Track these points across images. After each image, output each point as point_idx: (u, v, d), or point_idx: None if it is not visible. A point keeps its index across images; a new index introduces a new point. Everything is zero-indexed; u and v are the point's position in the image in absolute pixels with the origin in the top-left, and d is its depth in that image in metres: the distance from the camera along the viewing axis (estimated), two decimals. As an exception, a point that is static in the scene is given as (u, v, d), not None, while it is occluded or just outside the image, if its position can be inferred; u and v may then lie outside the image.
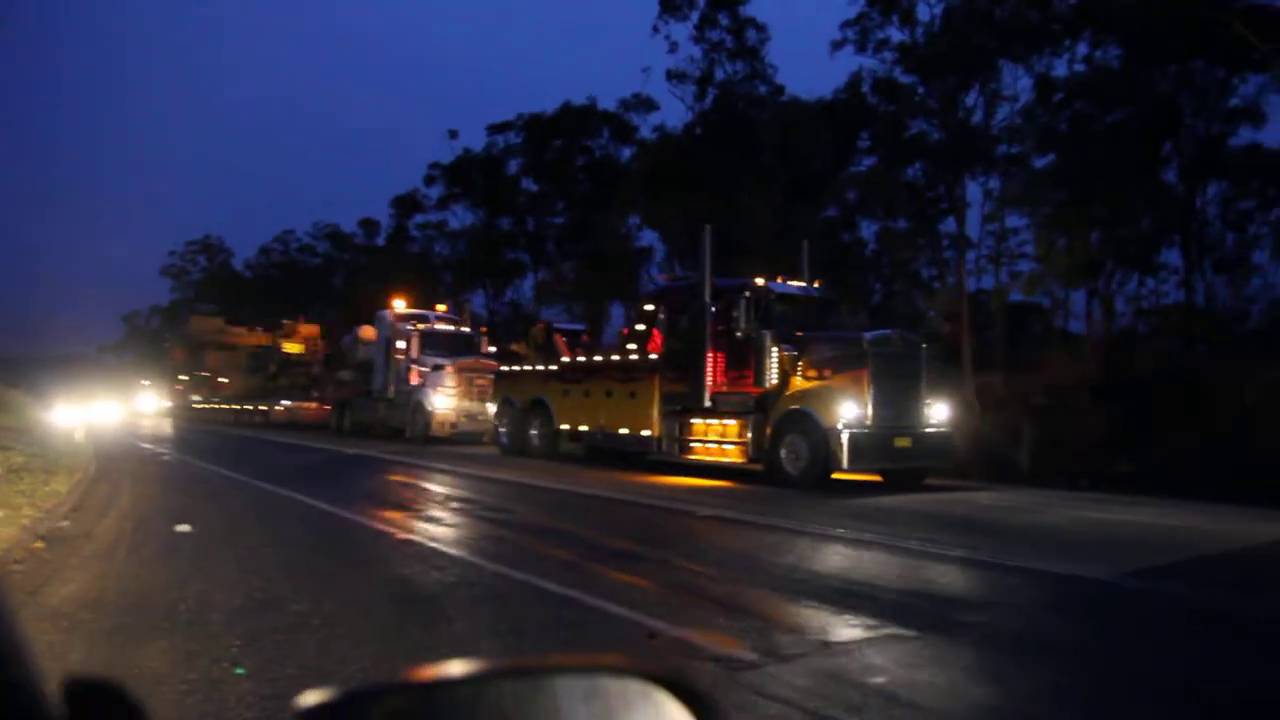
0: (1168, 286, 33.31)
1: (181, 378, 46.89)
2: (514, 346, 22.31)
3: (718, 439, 15.07)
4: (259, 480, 14.05)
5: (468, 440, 23.87)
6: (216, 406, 41.34)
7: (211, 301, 59.97)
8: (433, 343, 25.15)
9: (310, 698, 0.90)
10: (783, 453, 13.91)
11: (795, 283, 16.44)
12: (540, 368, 19.44)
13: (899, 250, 34.71)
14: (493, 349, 26.66)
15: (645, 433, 16.40)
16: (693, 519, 10.74)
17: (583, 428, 18.01)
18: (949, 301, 30.88)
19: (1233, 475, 14.32)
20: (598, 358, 18.29)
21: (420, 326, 25.46)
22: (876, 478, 14.22)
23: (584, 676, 1.06)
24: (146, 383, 56.68)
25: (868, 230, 36.04)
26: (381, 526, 9.40)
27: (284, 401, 34.80)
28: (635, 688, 1.06)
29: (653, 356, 16.45)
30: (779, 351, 14.50)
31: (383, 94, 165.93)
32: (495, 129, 44.46)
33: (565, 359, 18.90)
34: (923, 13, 34.03)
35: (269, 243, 66.26)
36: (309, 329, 39.86)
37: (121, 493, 12.11)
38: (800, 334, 14.71)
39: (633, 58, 52.80)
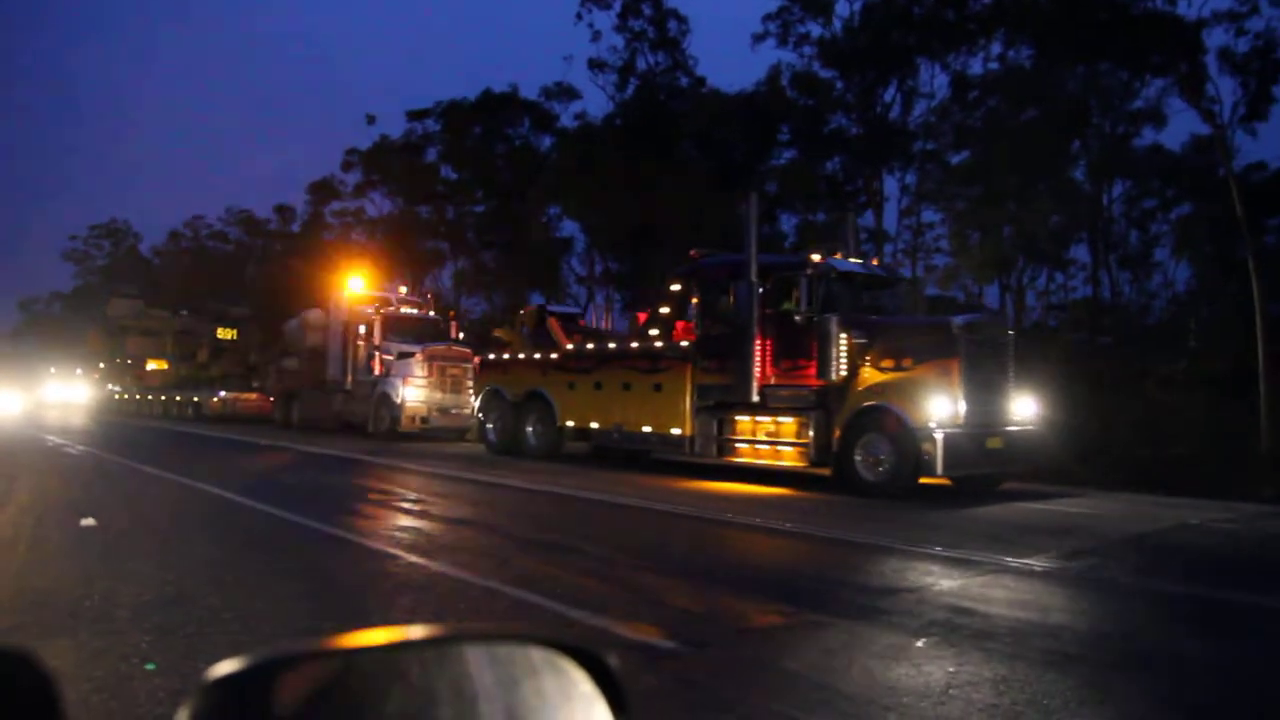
0: (1076, 282, 34.21)
1: (100, 365, 43.31)
2: (497, 332, 20.00)
3: (769, 439, 13.06)
4: (194, 481, 12.32)
5: (440, 436, 22.00)
6: (140, 397, 37.52)
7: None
8: (397, 328, 22.85)
9: (222, 667, 0.91)
10: (857, 456, 11.92)
11: (853, 260, 14.29)
12: (538, 356, 16.94)
13: (818, 243, 34.87)
14: (460, 334, 24.98)
15: (675, 431, 14.22)
16: (777, 537, 8.87)
17: (593, 425, 15.78)
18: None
19: (1135, 465, 14.74)
20: (611, 345, 16.02)
21: (383, 310, 23.08)
22: (946, 481, 12.12)
23: (491, 644, 1.10)
24: (54, 371, 52.92)
25: (788, 223, 36.19)
26: (348, 534, 8.30)
27: (220, 392, 31.49)
28: (540, 655, 1.10)
29: (684, 344, 14.34)
30: (847, 339, 12.41)
31: (299, 76, 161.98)
32: (414, 115, 43.53)
33: (570, 346, 16.62)
34: (842, 8, 34.50)
35: (178, 228, 64.30)
36: (241, 312, 37.03)
37: (18, 487, 11.27)
38: (872, 318, 12.81)
39: (556, 46, 52.44)
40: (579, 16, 36.15)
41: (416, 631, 1.08)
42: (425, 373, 21.61)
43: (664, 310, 15.30)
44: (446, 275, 46.20)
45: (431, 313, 24.89)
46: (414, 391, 21.47)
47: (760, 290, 13.04)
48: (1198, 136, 31.07)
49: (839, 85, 34.66)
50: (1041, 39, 30.24)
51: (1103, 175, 32.25)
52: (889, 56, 33.24)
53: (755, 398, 13.11)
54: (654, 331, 15.22)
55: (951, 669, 4.40)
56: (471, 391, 20.36)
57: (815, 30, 34.52)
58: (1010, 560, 7.38)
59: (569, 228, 41.65)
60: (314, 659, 1.01)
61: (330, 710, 0.97)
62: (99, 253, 70.48)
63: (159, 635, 4.69)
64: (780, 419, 12.98)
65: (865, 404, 12.03)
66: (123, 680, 3.99)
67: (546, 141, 41.56)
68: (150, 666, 4.19)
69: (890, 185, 35.19)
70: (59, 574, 6.23)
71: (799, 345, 12.86)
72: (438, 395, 21.74)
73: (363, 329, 22.72)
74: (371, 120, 45.58)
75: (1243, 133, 29.36)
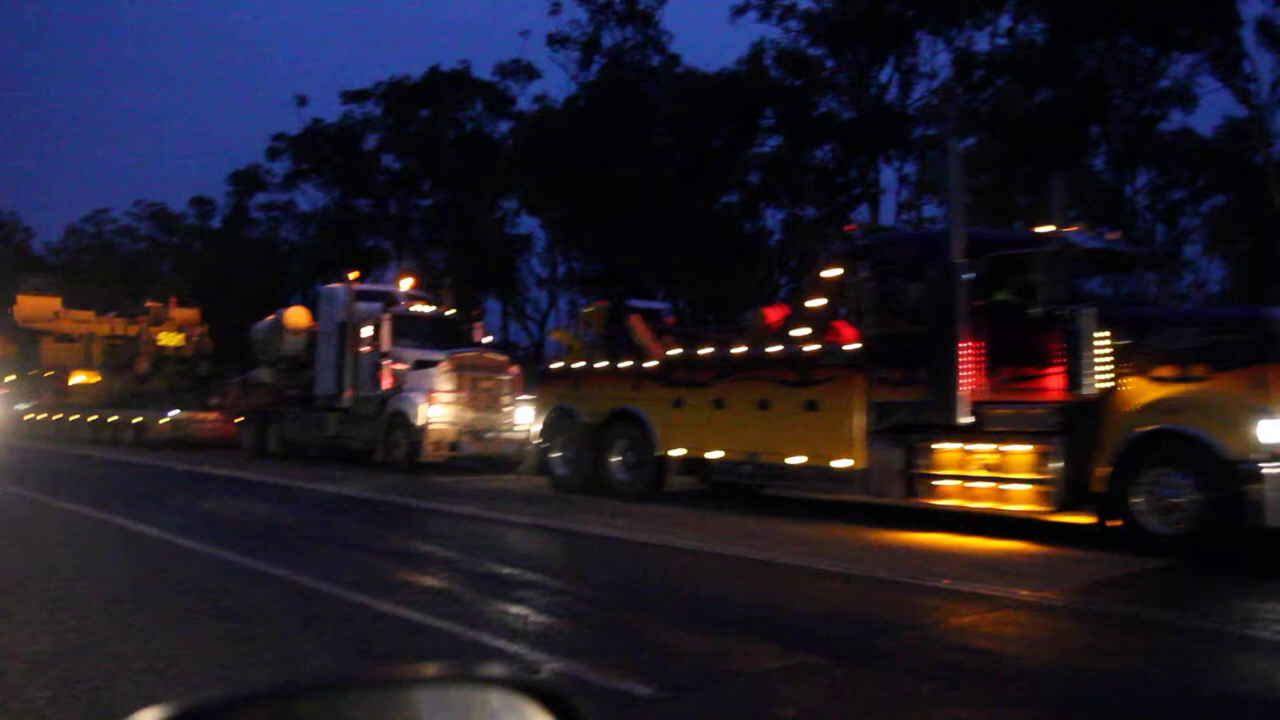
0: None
1: (5, 380, 35.85)
2: (554, 334, 17.27)
3: (989, 474, 10.04)
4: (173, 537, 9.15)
5: (471, 467, 18.11)
6: (63, 418, 31.24)
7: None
8: (409, 331, 18.56)
9: (148, 715, 0.87)
10: (1138, 499, 9.04)
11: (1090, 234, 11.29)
12: (626, 365, 13.69)
13: (806, 241, 32.32)
14: (489, 338, 20.81)
15: (840, 463, 11.06)
16: (1121, 632, 6.10)
17: (712, 454, 12.51)
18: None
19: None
20: (739, 349, 12.66)
21: (392, 309, 18.90)
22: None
23: (444, 687, 1.08)
24: None
25: (773, 219, 33.57)
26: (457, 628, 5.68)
27: (171, 412, 26.05)
28: (498, 698, 1.07)
29: (850, 347, 11.26)
30: (1109, 338, 9.60)
31: (218, 54, 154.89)
32: (351, 97, 39.90)
33: (672, 351, 13.45)
34: (834, -24, 31.60)
35: (78, 223, 59.04)
36: (185, 314, 31.48)
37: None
38: (1136, 310, 10.18)
39: (513, 20, 48.61)
40: (536, -15, 32.55)
41: (362, 675, 1.06)
42: (453, 386, 17.41)
43: (815, 303, 12.20)
44: (390, 277, 42.52)
45: (449, 311, 20.62)
46: (440, 410, 17.17)
47: (970, 276, 9.90)
48: (1232, 120, 29.01)
49: (829, 64, 32.62)
50: (1055, 11, 28.63)
51: (1125, 163, 30.13)
52: (885, 31, 31.21)
53: (966, 417, 9.93)
54: (800, 332, 11.96)
55: None
56: (507, 409, 17.78)
57: (803, 2, 32.08)
58: None
59: (528, 223, 39.04)
60: (249, 705, 0.96)
61: None
62: (-20, 249, 64.29)
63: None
64: (1005, 447, 9.86)
65: (1146, 427, 9.10)
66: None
67: (502, 127, 38.68)
68: None
69: (888, 176, 33.16)
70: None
71: (1030, 348, 9.90)
72: (469, 415, 17.50)
73: (367, 332, 18.37)
74: (303, 102, 41.30)
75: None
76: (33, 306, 34.22)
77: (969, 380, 9.93)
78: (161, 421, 25.77)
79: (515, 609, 6.13)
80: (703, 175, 32.15)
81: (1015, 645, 5.76)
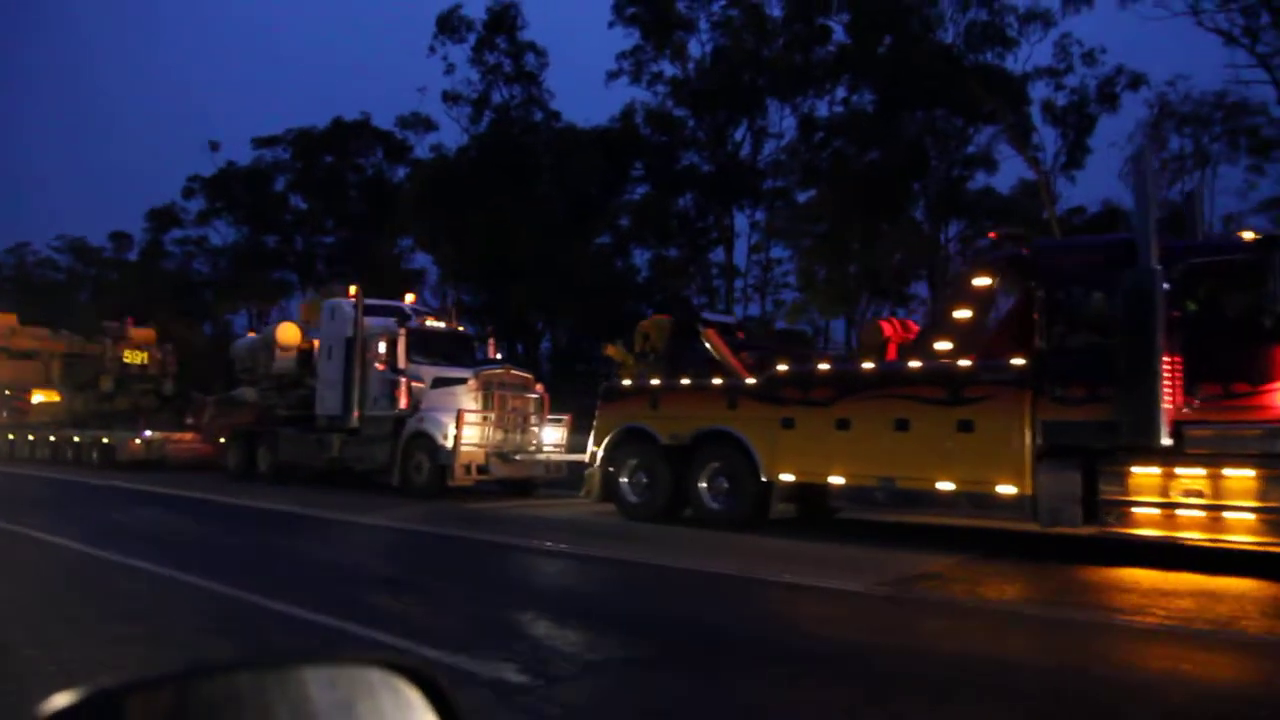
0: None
1: None
2: (608, 350, 15.28)
3: (1200, 501, 8.91)
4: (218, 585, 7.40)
5: (498, 490, 16.52)
6: (18, 437, 29.53)
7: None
8: (421, 348, 17.41)
9: (58, 700, 0.90)
10: None
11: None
12: (719, 382, 12.31)
13: (671, 278, 35.48)
14: (498, 356, 20.01)
15: (1004, 489, 9.85)
16: None
17: (834, 479, 11.13)
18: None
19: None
20: (867, 365, 11.34)
21: (407, 325, 17.64)
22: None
23: (329, 667, 1.13)
24: None
25: (640, 258, 36.57)
26: None
27: (146, 432, 24.36)
28: (378, 676, 1.14)
29: (1016, 362, 10.02)
30: None
31: (138, 100, 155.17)
32: (262, 142, 42.37)
33: (784, 367, 12.11)
34: (695, 49, 35.28)
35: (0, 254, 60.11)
36: (143, 333, 30.61)
37: None
38: None
39: (411, 77, 51.76)
40: (432, 49, 35.85)
41: (255, 658, 1.15)
42: (480, 405, 16.34)
43: (961, 314, 10.81)
44: (294, 307, 44.78)
45: (460, 328, 19.86)
46: (469, 431, 15.89)
47: (1166, 285, 9.10)
48: (1025, 181, 32.85)
49: (691, 124, 35.41)
50: (882, 85, 32.09)
51: (940, 215, 33.72)
52: (740, 97, 34.20)
53: (1166, 439, 8.95)
54: (945, 345, 10.68)
55: None
56: (534, 428, 16.69)
57: (669, 70, 35.23)
58: None
59: (421, 259, 41.19)
60: (151, 688, 1.00)
61: None
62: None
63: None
64: (1218, 470, 8.85)
65: None
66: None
67: (400, 172, 41.03)
68: None
69: (741, 222, 35.99)
70: None
71: (1245, 362, 9.02)
72: (498, 435, 16.40)
73: (381, 348, 17.06)
74: (215, 147, 43.83)
75: (1064, 179, 31.37)
76: None
77: (1169, 398, 8.99)
78: (135, 441, 24.15)
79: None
80: (580, 219, 34.52)
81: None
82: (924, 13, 30.93)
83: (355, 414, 17.16)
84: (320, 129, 40.15)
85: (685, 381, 12.78)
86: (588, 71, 36.23)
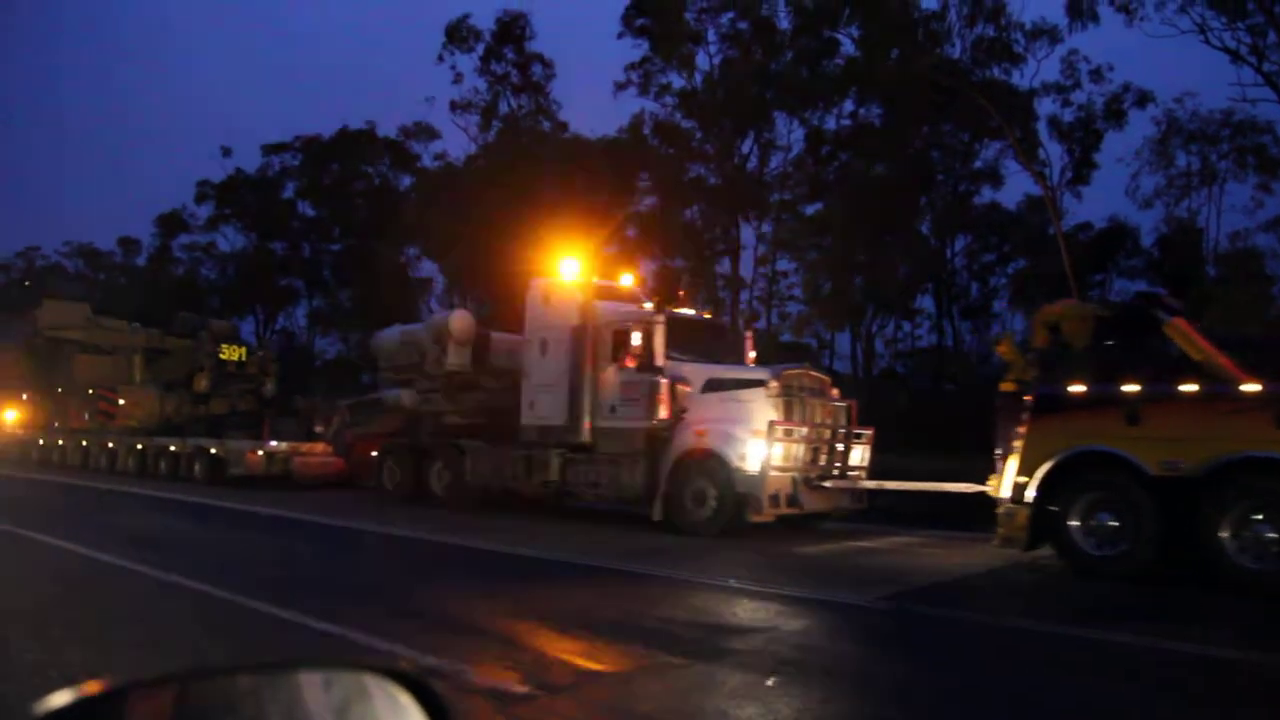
0: (921, 331, 35.66)
1: (25, 396, 29.22)
2: (999, 348, 11.97)
3: None
4: None
5: (804, 524, 12.92)
6: (100, 447, 24.97)
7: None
8: (675, 341, 13.60)
9: (56, 699, 0.90)
10: None
11: None
12: (1251, 388, 8.93)
13: (677, 289, 35.43)
14: (753, 353, 15.71)
15: None
16: None
17: None
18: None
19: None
20: None
21: (666, 310, 13.78)
22: None
23: (325, 671, 1.15)
24: None
25: (646, 269, 36.52)
26: None
27: (272, 442, 20.40)
28: (372, 681, 1.16)
29: None
30: None
31: (149, 106, 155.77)
32: (271, 149, 42.71)
33: None
34: (703, 61, 35.36)
35: (9, 259, 60.39)
36: (221, 327, 27.55)
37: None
38: None
39: (419, 87, 52.01)
40: (440, 58, 36.00)
41: (251, 661, 1.12)
42: (784, 415, 12.34)
43: None
44: (301, 314, 45.02)
45: (708, 314, 16.30)
46: (780, 449, 12.11)
47: None
48: (1031, 196, 32.93)
49: (699, 135, 35.33)
50: (890, 100, 32.15)
51: (946, 230, 33.81)
52: (747, 110, 34.12)
53: None
54: None
55: None
56: (841, 447, 13.29)
57: (677, 81, 35.23)
58: None
59: (428, 267, 41.18)
60: (148, 689, 1.01)
61: None
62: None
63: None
64: None
65: None
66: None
67: (406, 181, 41.14)
68: None
69: (747, 234, 35.93)
70: None
71: None
72: (806, 456, 12.70)
73: (635, 339, 13.31)
74: (227, 153, 44.08)
75: (1070, 195, 31.42)
76: (59, 312, 27.94)
77: None
78: (257, 454, 20.06)
79: None
80: (586, 229, 35.19)
81: None
82: (931, 27, 31.00)
83: (586, 425, 13.61)
84: (327, 137, 40.41)
85: (1189, 388, 9.27)
86: (596, 82, 36.47)
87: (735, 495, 12.01)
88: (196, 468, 21.20)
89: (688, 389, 13.04)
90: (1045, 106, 31.10)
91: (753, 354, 15.55)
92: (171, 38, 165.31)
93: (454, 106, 36.98)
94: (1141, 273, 35.06)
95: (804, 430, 12.60)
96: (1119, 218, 34.48)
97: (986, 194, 33.86)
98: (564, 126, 36.95)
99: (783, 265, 35.97)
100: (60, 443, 26.67)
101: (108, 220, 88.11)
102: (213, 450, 20.86)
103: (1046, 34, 29.54)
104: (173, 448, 22.26)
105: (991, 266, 35.21)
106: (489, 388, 16.01)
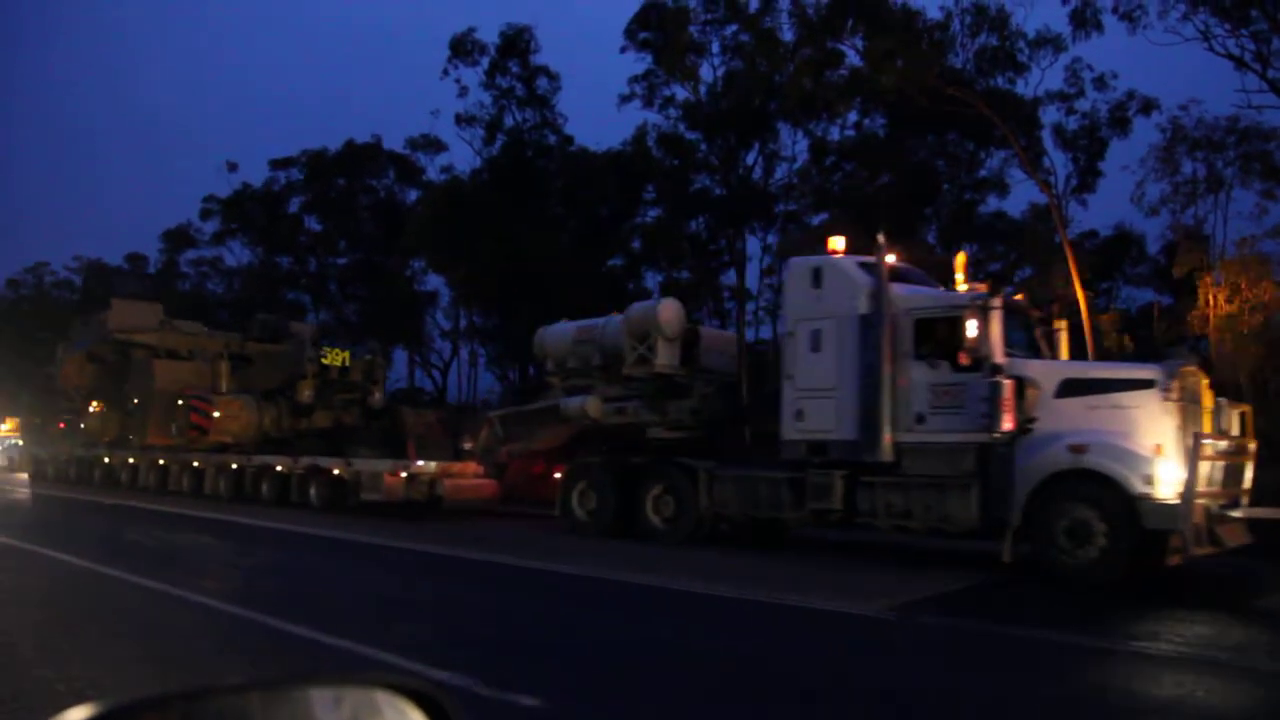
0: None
1: (93, 408, 25.45)
2: None
3: None
4: None
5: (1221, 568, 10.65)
6: (183, 464, 22.22)
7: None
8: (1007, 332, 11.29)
9: (70, 716, 0.91)
10: None
11: None
12: None
13: (682, 301, 35.49)
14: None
15: None
16: None
17: None
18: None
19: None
20: None
21: (1001, 295, 11.56)
22: None
23: (335, 687, 1.14)
24: (9, 429, 37.59)
25: (652, 280, 36.67)
26: None
27: (419, 461, 17.36)
28: (381, 696, 1.15)
29: None
30: None
31: (154, 121, 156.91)
32: (278, 164, 42.75)
33: None
34: (706, 73, 35.38)
35: (18, 274, 60.56)
36: (303, 328, 25.90)
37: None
38: None
39: (424, 101, 52.21)
40: (445, 72, 36.08)
41: (263, 679, 1.09)
42: (1183, 426, 9.87)
43: None
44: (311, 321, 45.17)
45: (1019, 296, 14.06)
46: (1203, 470, 9.73)
47: None
48: (1036, 205, 32.81)
49: (703, 147, 35.42)
50: (893, 109, 32.19)
51: (952, 239, 33.62)
52: (751, 121, 34.26)
53: None
54: None
55: None
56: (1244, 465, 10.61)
57: (680, 93, 35.22)
58: None
59: (434, 281, 41.18)
60: (160, 706, 1.00)
61: None
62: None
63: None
64: None
65: None
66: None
67: (412, 195, 41.20)
68: None
69: (752, 245, 35.96)
70: None
71: None
72: (1219, 478, 10.26)
73: (971, 329, 10.59)
74: (233, 167, 44.25)
75: (1075, 203, 31.30)
76: (130, 313, 25.08)
77: None
78: (399, 475, 16.95)
79: None
80: (592, 241, 34.93)
81: None
82: (935, 37, 30.98)
83: (887, 439, 10.98)
84: (333, 151, 40.50)
85: None
86: (600, 95, 36.44)
87: (1137, 531, 9.38)
88: (312, 492, 18.41)
89: (1037, 392, 10.42)
90: (1050, 115, 31.02)
91: (1061, 351, 12.62)
92: (176, 55, 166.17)
93: (459, 120, 37.06)
94: (1148, 280, 34.97)
95: (1222, 445, 10.15)
96: (1124, 225, 34.42)
97: (992, 203, 33.78)
98: (570, 139, 37.03)
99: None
100: (131, 461, 23.77)
101: (116, 236, 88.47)
102: (335, 471, 17.99)
103: (1050, 43, 29.43)
104: (279, 468, 19.31)
105: (998, 275, 35.18)
106: (701, 393, 13.81)
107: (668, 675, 6.03)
